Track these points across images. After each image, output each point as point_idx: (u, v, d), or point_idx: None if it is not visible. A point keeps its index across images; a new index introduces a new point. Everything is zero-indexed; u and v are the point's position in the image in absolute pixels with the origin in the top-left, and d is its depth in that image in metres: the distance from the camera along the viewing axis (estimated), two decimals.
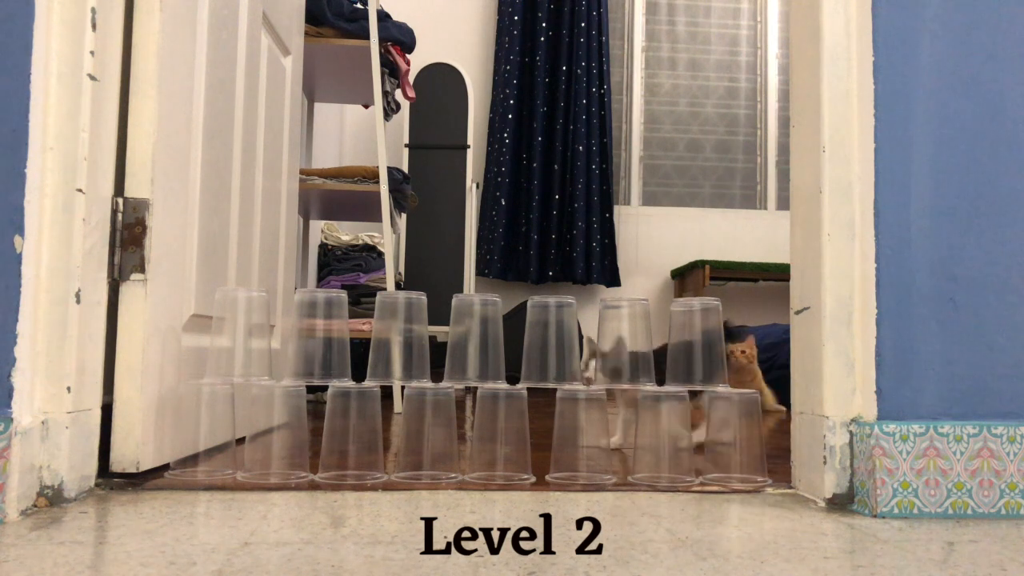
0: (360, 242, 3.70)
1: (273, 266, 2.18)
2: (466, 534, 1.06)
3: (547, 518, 1.17)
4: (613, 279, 4.74)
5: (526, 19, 4.80)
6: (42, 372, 1.20)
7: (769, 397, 3.16)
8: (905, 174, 1.34)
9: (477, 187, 4.63)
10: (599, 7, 4.80)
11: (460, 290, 4.25)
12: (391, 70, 3.11)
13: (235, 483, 1.38)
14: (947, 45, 1.36)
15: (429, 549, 0.98)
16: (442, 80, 4.45)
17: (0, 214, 1.17)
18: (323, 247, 3.72)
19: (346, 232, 3.82)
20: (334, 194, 3.12)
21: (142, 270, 1.38)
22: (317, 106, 3.79)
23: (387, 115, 3.29)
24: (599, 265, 4.70)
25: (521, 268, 4.70)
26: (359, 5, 3.04)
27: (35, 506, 1.17)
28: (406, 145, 4.38)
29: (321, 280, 3.60)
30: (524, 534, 1.06)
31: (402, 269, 4.31)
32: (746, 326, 4.10)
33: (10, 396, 1.14)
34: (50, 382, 1.20)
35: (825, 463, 1.31)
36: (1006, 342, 1.32)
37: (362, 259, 3.59)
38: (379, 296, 1.56)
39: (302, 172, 2.86)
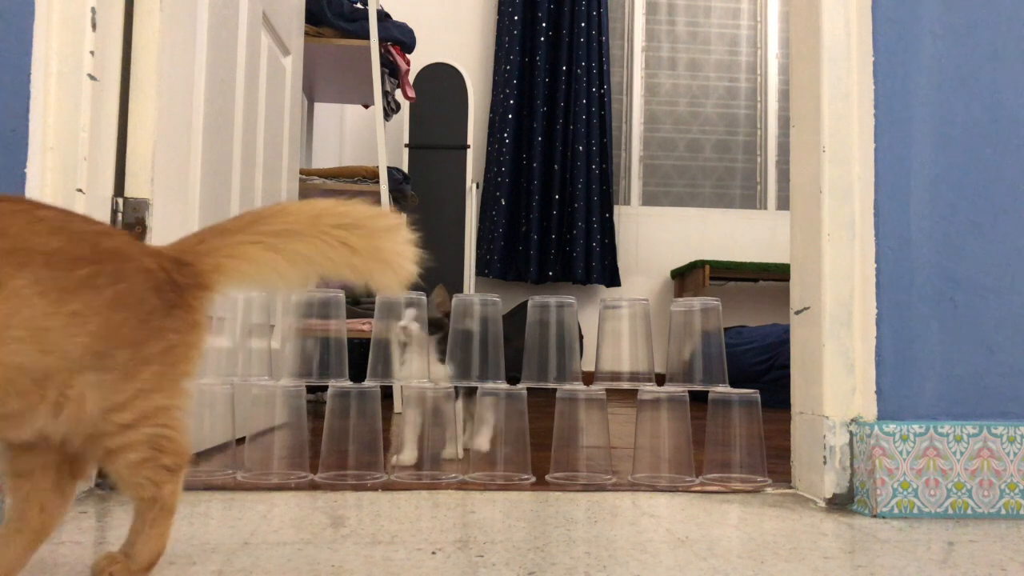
0: None
1: None
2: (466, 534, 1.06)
3: (547, 518, 1.17)
4: (613, 279, 4.74)
5: (526, 19, 4.79)
6: None
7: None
8: (905, 174, 1.34)
9: (477, 187, 4.63)
10: (599, 7, 4.80)
11: (460, 290, 4.25)
12: (391, 70, 3.11)
13: (235, 483, 1.38)
14: (947, 45, 1.36)
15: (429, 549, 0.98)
16: (442, 80, 4.44)
17: None
18: None
19: None
20: (334, 194, 3.12)
21: None
22: (317, 106, 3.79)
23: (387, 115, 3.28)
24: (599, 265, 4.69)
25: (521, 268, 4.70)
26: (359, 5, 3.04)
27: None
28: (406, 145, 4.38)
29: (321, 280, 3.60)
30: (523, 534, 1.06)
31: None
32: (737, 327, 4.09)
33: None
34: None
35: (825, 463, 1.30)
36: (1006, 342, 1.32)
37: None
38: (379, 296, 1.56)
39: (302, 172, 2.86)
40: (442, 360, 1.57)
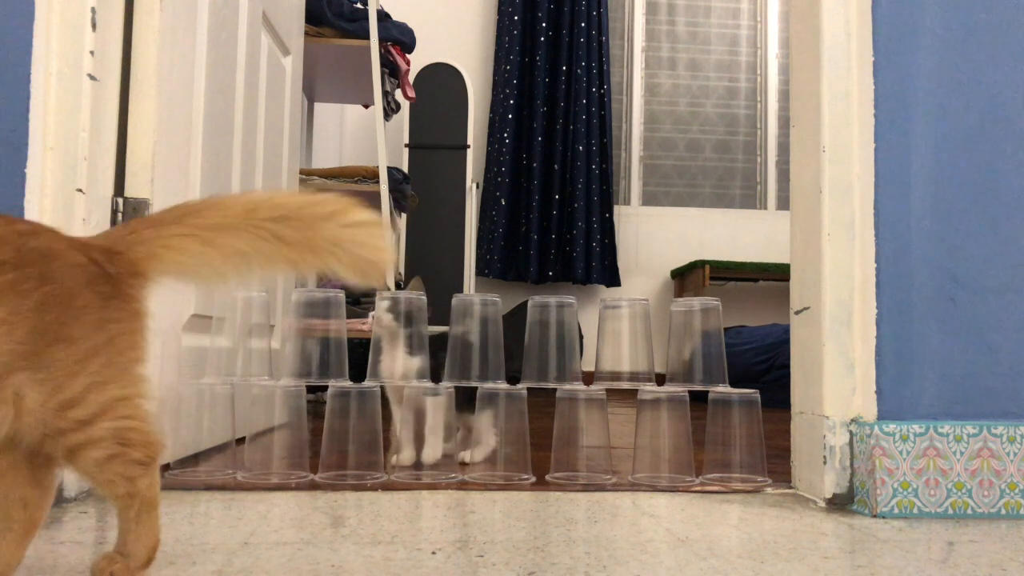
0: None
1: None
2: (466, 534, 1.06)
3: (547, 518, 1.17)
4: (613, 279, 4.74)
5: (526, 19, 4.79)
6: None
7: None
8: (905, 174, 1.34)
9: (477, 187, 4.62)
10: (599, 7, 4.79)
11: (460, 290, 4.25)
12: (391, 70, 3.11)
13: (235, 483, 1.38)
14: (947, 45, 1.36)
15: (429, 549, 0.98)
16: (442, 80, 4.44)
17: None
18: None
19: None
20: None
21: None
22: (317, 106, 3.79)
23: (387, 115, 3.28)
24: (599, 265, 4.69)
25: (521, 268, 4.70)
26: (359, 5, 3.04)
27: None
28: (406, 145, 4.38)
29: (321, 280, 3.60)
30: (523, 534, 1.06)
31: (402, 269, 4.31)
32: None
33: None
34: None
35: (825, 463, 1.30)
36: (1006, 342, 1.32)
37: None
38: (379, 296, 1.57)
39: (302, 172, 2.86)
40: (411, 352, 1.56)
